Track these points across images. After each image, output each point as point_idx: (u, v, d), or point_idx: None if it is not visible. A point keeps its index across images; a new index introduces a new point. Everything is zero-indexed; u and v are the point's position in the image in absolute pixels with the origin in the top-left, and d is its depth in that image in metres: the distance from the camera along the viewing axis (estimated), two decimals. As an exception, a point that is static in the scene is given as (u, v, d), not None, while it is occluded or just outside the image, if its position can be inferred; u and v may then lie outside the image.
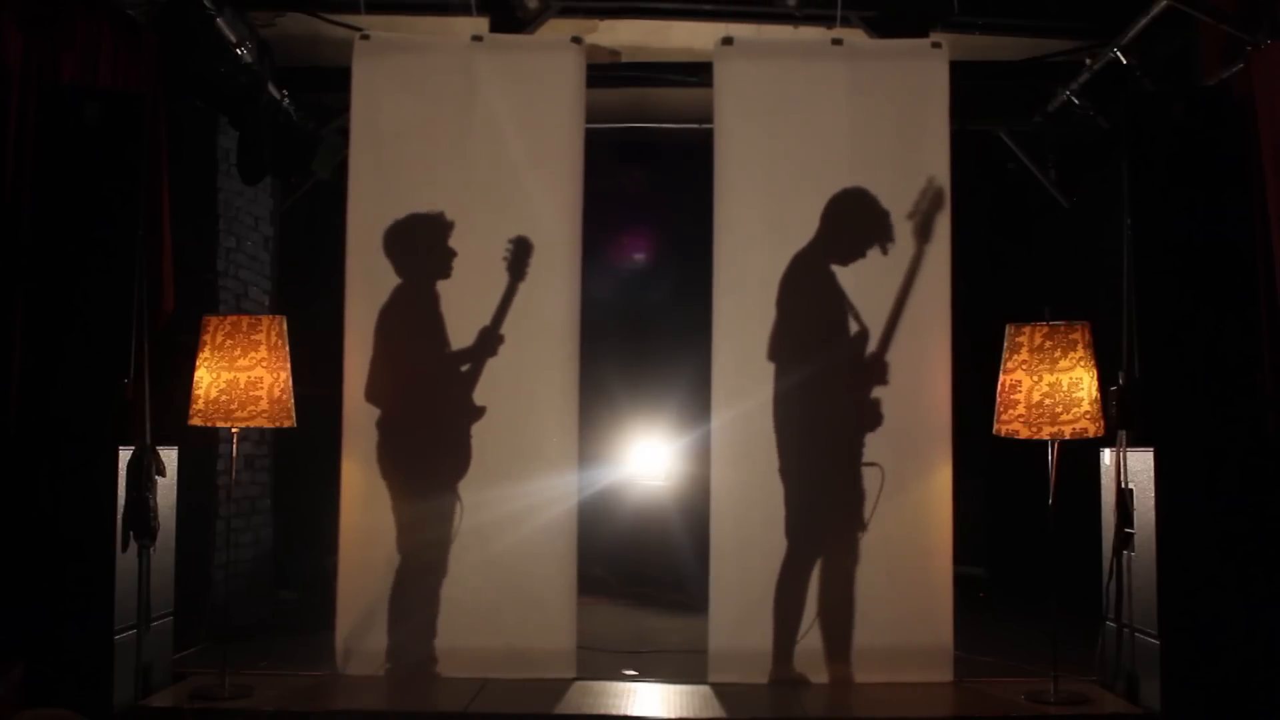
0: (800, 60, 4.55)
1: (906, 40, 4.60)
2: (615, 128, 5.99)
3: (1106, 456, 4.24)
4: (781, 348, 4.38)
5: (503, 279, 4.40)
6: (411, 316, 4.41)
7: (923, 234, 4.39)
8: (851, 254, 4.41)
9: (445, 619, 4.33)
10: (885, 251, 4.39)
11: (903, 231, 4.41)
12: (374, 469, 4.33)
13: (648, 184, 6.91)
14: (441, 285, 4.42)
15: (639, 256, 7.07)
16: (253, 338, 3.94)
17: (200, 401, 3.92)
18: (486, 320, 4.39)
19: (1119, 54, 4.90)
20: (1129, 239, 4.08)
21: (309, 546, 5.80)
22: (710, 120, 4.53)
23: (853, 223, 4.42)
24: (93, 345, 3.79)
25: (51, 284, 3.79)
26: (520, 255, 4.40)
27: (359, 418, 4.35)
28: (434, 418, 4.40)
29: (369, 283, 4.40)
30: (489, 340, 4.38)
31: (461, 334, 4.41)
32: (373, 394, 4.36)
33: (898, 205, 4.42)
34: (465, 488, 4.35)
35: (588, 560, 5.14)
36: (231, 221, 5.66)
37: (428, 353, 4.40)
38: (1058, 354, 3.90)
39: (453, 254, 4.41)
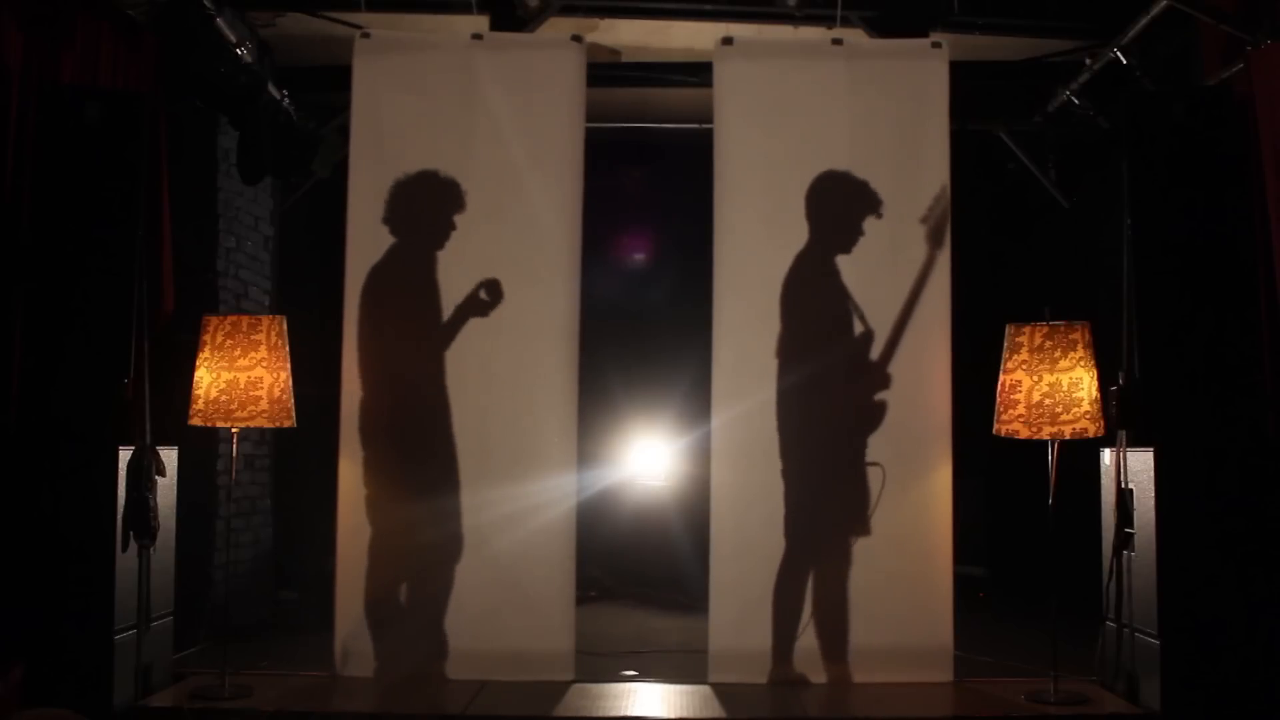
0: (800, 60, 4.55)
1: (906, 40, 4.60)
2: (615, 128, 5.99)
3: (1106, 456, 4.24)
4: (785, 347, 4.37)
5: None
6: (405, 288, 4.40)
7: (935, 239, 4.39)
8: (850, 237, 4.39)
9: (445, 620, 4.32)
10: (880, 215, 4.38)
11: (914, 236, 4.40)
12: (373, 467, 4.32)
13: (648, 184, 6.91)
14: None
15: (639, 256, 7.07)
16: (253, 338, 3.94)
17: (200, 401, 3.92)
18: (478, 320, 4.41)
19: (1119, 54, 4.90)
20: (1129, 239, 4.08)
21: (309, 546, 5.79)
22: (710, 120, 4.53)
23: (836, 205, 4.41)
24: (93, 345, 3.79)
25: (51, 284, 3.78)
26: (491, 299, 4.40)
27: (357, 418, 4.35)
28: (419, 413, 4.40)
29: (369, 283, 4.40)
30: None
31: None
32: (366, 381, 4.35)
33: (898, 204, 4.42)
34: (461, 487, 4.35)
35: (587, 562, 5.15)
36: (231, 221, 5.66)
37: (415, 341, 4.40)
38: (1058, 354, 3.90)
39: (453, 227, 4.40)
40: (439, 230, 4.41)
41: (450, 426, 4.36)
